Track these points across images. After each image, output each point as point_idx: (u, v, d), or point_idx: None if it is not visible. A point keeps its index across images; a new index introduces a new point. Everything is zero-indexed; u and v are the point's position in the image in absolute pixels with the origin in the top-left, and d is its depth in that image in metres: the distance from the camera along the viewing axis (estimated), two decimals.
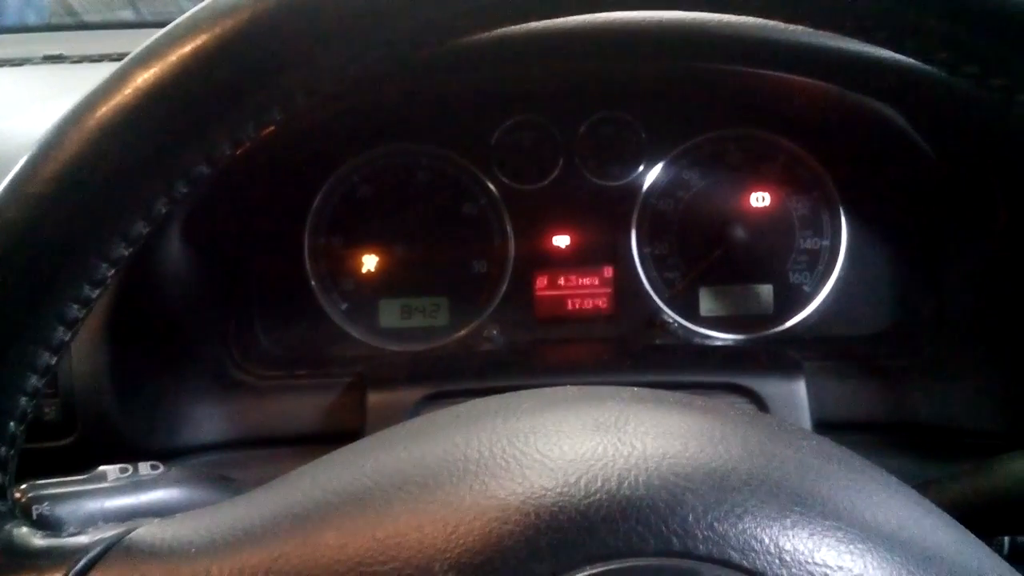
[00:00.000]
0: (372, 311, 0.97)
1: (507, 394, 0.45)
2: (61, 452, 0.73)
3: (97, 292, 0.38)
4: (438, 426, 0.42)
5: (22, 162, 0.36)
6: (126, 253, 0.38)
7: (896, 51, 0.39)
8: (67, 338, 0.39)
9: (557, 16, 0.40)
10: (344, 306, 0.97)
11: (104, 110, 0.35)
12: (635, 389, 0.45)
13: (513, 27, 0.39)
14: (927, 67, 0.38)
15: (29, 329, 0.37)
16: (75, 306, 0.38)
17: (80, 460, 0.74)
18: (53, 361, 0.39)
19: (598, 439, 0.37)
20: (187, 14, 0.36)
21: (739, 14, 0.38)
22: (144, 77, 0.35)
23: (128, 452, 0.77)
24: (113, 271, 0.38)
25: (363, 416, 0.80)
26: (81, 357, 0.72)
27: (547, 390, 0.46)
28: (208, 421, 0.82)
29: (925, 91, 0.69)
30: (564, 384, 0.79)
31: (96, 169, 0.35)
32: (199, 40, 0.36)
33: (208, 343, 0.86)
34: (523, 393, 0.45)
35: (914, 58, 0.38)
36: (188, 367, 0.83)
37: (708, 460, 0.35)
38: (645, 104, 0.96)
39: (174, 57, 0.36)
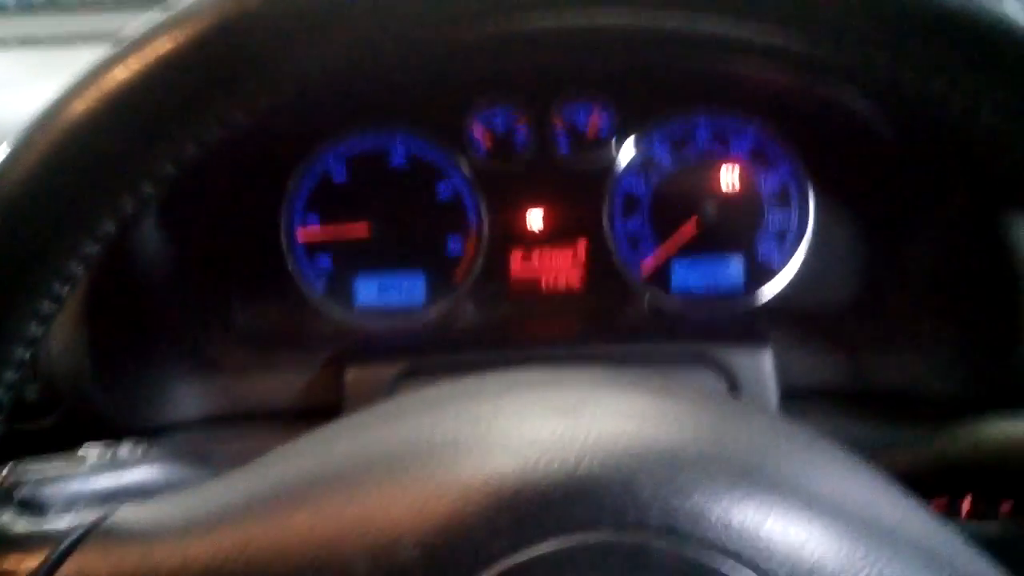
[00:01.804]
0: (349, 289, 0.99)
1: (473, 377, 0.47)
2: (43, 433, 0.74)
3: (67, 288, 0.40)
4: (406, 410, 0.44)
5: None
6: (94, 251, 0.39)
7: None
8: (40, 333, 0.40)
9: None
10: (321, 285, 0.98)
11: (69, 114, 0.37)
12: (595, 372, 0.47)
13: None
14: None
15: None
16: (47, 301, 0.39)
17: (62, 440, 0.76)
18: (26, 356, 0.40)
19: (557, 422, 0.39)
20: (151, 17, 0.37)
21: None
22: (108, 81, 0.37)
23: (109, 431, 0.78)
24: (83, 267, 0.40)
25: (341, 392, 0.81)
26: (60, 338, 0.73)
27: (512, 373, 0.48)
28: (188, 399, 0.84)
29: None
30: (536, 358, 0.81)
31: (62, 172, 0.37)
32: (163, 44, 0.37)
33: (186, 323, 0.87)
34: (488, 376, 0.46)
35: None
36: (167, 346, 0.85)
37: (660, 440, 0.37)
38: (616, 84, 0.98)
39: (137, 62, 0.37)
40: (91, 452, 0.55)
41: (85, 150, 0.37)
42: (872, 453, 0.75)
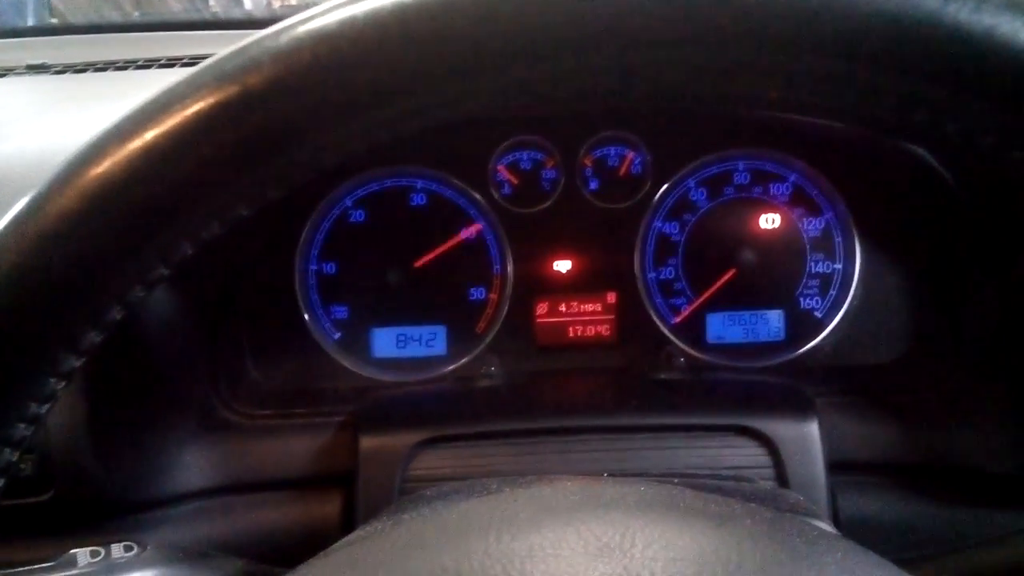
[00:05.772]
0: (366, 341, 0.94)
1: (501, 496, 0.42)
2: (39, 508, 0.70)
3: (45, 407, 0.35)
4: (425, 541, 0.38)
5: None
6: (76, 365, 0.35)
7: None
8: (28, 432, 0.36)
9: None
10: (337, 336, 0.93)
11: (44, 217, 0.32)
12: (642, 488, 0.42)
13: None
14: None
15: None
16: (20, 425, 0.35)
17: (58, 516, 0.72)
18: (14, 458, 0.37)
19: (603, 567, 0.33)
20: (136, 106, 0.33)
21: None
22: (89, 180, 0.32)
23: (108, 506, 0.74)
24: (64, 384, 0.35)
25: (355, 460, 0.76)
26: (57, 410, 0.68)
27: (546, 490, 0.42)
28: (194, 467, 0.79)
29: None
30: (564, 431, 0.76)
31: (37, 283, 0.32)
32: (152, 136, 0.32)
33: (194, 383, 0.82)
34: (520, 496, 0.41)
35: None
36: (172, 411, 0.80)
37: None
38: (649, 123, 0.92)
39: (123, 155, 0.32)
40: (80, 555, 0.50)
41: (66, 256, 0.32)
42: (937, 549, 0.69)
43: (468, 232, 0.94)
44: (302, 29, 0.32)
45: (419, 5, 0.31)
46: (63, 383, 0.35)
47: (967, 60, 0.30)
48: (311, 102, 0.31)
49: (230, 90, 0.31)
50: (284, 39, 0.32)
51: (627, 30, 0.31)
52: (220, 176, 0.32)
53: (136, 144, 0.32)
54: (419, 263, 0.93)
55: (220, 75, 0.32)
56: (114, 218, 0.32)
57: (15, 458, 0.36)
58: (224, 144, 0.32)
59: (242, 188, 0.34)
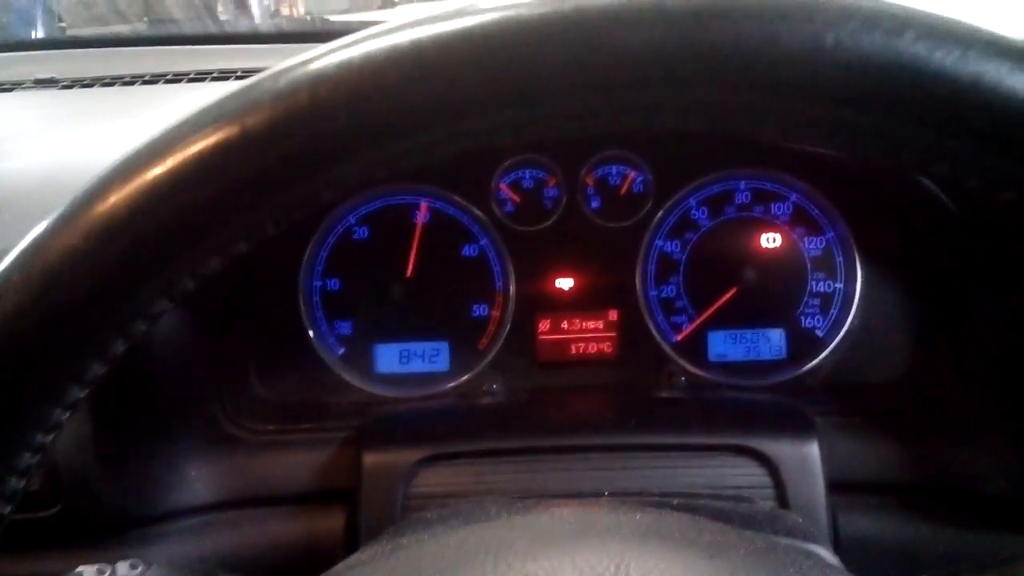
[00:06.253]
0: (369, 357, 0.94)
1: (499, 522, 0.42)
2: (46, 522, 0.71)
3: (50, 436, 0.36)
4: (422, 568, 0.39)
5: None
6: (80, 395, 0.36)
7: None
8: (34, 461, 0.37)
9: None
10: (341, 351, 0.94)
11: (49, 255, 0.33)
12: (638, 516, 0.42)
13: None
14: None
15: None
16: (27, 454, 0.36)
17: (65, 530, 0.72)
18: (20, 485, 0.37)
19: None
20: (139, 145, 0.33)
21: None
22: (93, 218, 0.33)
23: (114, 520, 0.74)
24: (68, 414, 0.36)
25: (358, 476, 0.77)
26: (64, 427, 0.69)
27: (543, 517, 0.43)
28: (199, 481, 0.79)
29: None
30: (564, 449, 0.76)
31: (41, 320, 0.33)
32: (154, 175, 0.33)
33: (199, 398, 0.83)
34: (517, 523, 0.42)
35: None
36: (178, 426, 0.80)
37: None
38: (651, 142, 0.93)
39: (126, 194, 0.33)
40: (87, 572, 0.50)
41: (69, 293, 0.33)
42: (938, 571, 0.70)
43: (470, 250, 0.95)
44: (300, 72, 0.33)
45: (416, 48, 0.32)
46: (68, 413, 0.36)
47: (952, 107, 0.31)
48: (309, 142, 0.32)
49: (230, 130, 0.32)
50: (283, 81, 0.33)
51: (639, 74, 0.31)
52: (221, 214, 0.33)
53: (139, 182, 0.33)
54: (421, 280, 0.94)
55: (221, 115, 0.33)
56: (117, 255, 0.33)
57: (21, 486, 0.37)
58: (224, 183, 0.33)
59: (242, 225, 0.34)
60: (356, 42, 0.32)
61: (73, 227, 0.33)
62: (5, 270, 0.33)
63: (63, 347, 0.34)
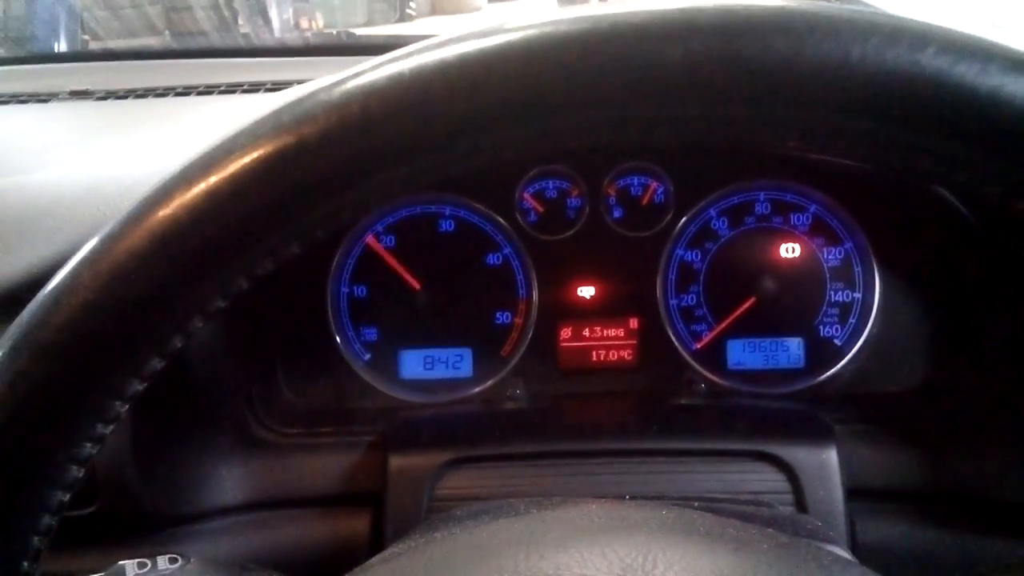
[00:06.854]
0: (394, 362, 0.96)
1: (530, 517, 0.44)
2: (83, 520, 0.73)
3: (110, 428, 0.38)
4: (456, 559, 0.41)
5: (33, 307, 0.36)
6: (140, 388, 0.38)
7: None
8: (94, 451, 0.39)
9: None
10: (367, 357, 0.96)
11: (116, 255, 0.35)
12: (664, 512, 0.44)
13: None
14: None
15: (43, 469, 0.37)
16: (87, 444, 0.38)
17: (101, 528, 0.74)
18: (80, 474, 0.39)
19: None
20: (199, 153, 0.36)
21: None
22: (157, 222, 0.35)
23: (148, 519, 0.76)
24: (127, 407, 0.38)
25: (384, 479, 0.79)
26: None
27: (573, 512, 0.45)
28: (229, 483, 0.82)
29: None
30: (588, 453, 0.78)
31: (107, 317, 0.35)
32: (215, 181, 0.35)
33: (230, 403, 0.85)
34: (547, 517, 0.43)
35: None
36: (210, 428, 0.83)
37: None
38: (672, 154, 0.95)
39: (188, 199, 0.35)
40: (128, 568, 0.52)
41: (131, 292, 0.35)
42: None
43: (494, 258, 0.97)
44: (353, 83, 0.35)
45: (460, 60, 0.34)
46: (127, 406, 0.38)
47: (972, 118, 0.32)
48: (360, 152, 0.34)
49: (287, 139, 0.34)
50: (336, 92, 0.35)
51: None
52: (277, 218, 0.35)
53: (200, 188, 0.35)
54: (446, 288, 0.96)
55: (278, 125, 0.35)
56: (179, 257, 0.35)
57: (80, 474, 0.39)
58: (280, 189, 0.35)
59: (295, 228, 0.36)
60: (406, 55, 0.34)
61: (140, 229, 0.35)
62: (74, 268, 0.35)
63: (126, 342, 0.36)
